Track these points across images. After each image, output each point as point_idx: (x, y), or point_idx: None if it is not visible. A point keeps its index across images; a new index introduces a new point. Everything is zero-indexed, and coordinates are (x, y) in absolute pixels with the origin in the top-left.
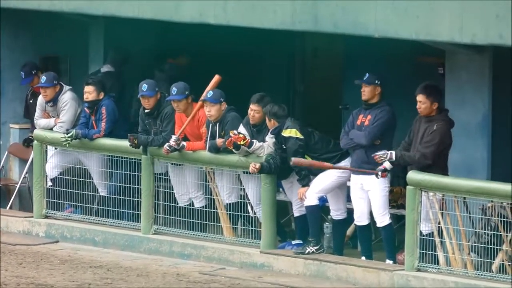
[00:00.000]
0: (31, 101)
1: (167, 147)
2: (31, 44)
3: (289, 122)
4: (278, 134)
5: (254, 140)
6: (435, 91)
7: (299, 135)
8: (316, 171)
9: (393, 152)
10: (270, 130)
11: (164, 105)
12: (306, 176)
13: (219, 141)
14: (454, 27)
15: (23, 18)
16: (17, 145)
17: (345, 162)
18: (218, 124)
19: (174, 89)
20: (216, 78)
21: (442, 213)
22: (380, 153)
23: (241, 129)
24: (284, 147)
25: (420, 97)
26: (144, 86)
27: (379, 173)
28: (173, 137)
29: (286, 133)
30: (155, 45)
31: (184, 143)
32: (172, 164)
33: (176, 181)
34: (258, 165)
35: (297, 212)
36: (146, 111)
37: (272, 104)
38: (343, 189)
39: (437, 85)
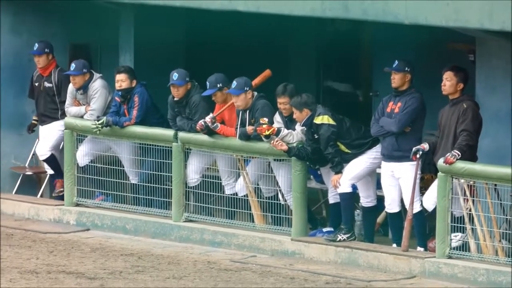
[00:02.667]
0: (36, 83)
1: (202, 123)
2: (62, 32)
3: (321, 109)
4: (310, 124)
5: (282, 128)
6: (463, 73)
7: (332, 122)
8: (348, 158)
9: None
10: (302, 122)
11: (192, 94)
12: (339, 163)
13: (249, 128)
14: (484, 14)
15: (53, 5)
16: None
17: (377, 149)
18: (248, 111)
19: (208, 84)
20: (267, 72)
21: (473, 200)
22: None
23: (277, 116)
24: (316, 136)
25: (447, 74)
26: (174, 75)
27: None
28: (210, 115)
29: (318, 120)
30: (185, 33)
31: (218, 124)
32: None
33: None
34: (284, 146)
35: (332, 199)
36: (175, 99)
37: (299, 95)
38: (373, 176)
39: (466, 69)
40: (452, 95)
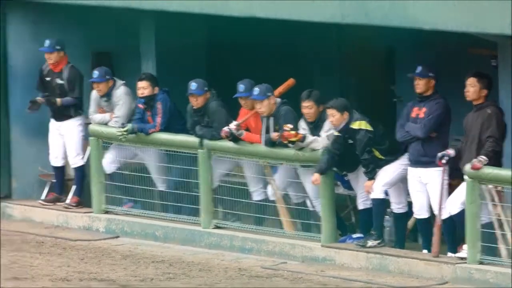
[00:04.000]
0: (47, 78)
1: (227, 129)
2: (83, 40)
3: (357, 114)
4: (344, 129)
5: (307, 134)
6: (486, 78)
7: (369, 127)
8: (382, 164)
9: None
10: (339, 128)
11: (209, 101)
12: (373, 169)
13: (274, 135)
14: (504, 19)
15: (73, 13)
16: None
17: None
18: (272, 118)
19: (241, 86)
20: (290, 81)
21: (502, 206)
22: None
23: (302, 123)
24: (350, 142)
25: (470, 80)
26: (193, 85)
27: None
28: (235, 122)
29: (355, 125)
30: (205, 39)
31: (243, 131)
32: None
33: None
34: (318, 177)
35: (361, 205)
36: (193, 108)
37: (337, 98)
38: (405, 182)
39: (489, 74)
40: (476, 101)
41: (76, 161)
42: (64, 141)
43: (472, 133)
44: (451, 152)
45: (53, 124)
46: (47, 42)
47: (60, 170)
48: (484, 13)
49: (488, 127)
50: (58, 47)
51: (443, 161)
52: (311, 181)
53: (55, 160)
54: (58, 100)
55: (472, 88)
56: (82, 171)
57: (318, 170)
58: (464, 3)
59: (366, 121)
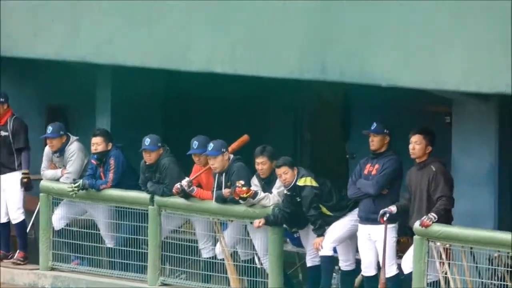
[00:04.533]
0: None
1: (178, 186)
2: (37, 94)
3: (303, 171)
4: (292, 186)
5: (259, 191)
6: (432, 135)
7: (315, 184)
8: (330, 221)
9: (394, 207)
10: (291, 186)
11: (161, 157)
12: (321, 226)
13: (225, 191)
14: (460, 76)
15: (28, 67)
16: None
17: (356, 211)
18: (224, 174)
19: (195, 143)
20: (244, 137)
21: (449, 263)
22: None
23: (254, 180)
24: (298, 199)
25: (416, 137)
26: (147, 141)
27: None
28: (186, 178)
29: (301, 182)
30: (161, 94)
31: (194, 187)
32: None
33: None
34: (262, 221)
35: (310, 262)
36: (146, 164)
37: (285, 156)
38: (353, 239)
39: (433, 131)
40: (420, 158)
41: (17, 215)
42: (5, 196)
43: (418, 191)
44: (393, 209)
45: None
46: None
47: (5, 227)
48: (440, 70)
49: (436, 186)
50: (2, 100)
51: (385, 218)
52: (254, 224)
53: (2, 216)
54: (24, 170)
55: (418, 145)
56: (24, 225)
57: (266, 218)
58: (420, 60)
59: (312, 177)
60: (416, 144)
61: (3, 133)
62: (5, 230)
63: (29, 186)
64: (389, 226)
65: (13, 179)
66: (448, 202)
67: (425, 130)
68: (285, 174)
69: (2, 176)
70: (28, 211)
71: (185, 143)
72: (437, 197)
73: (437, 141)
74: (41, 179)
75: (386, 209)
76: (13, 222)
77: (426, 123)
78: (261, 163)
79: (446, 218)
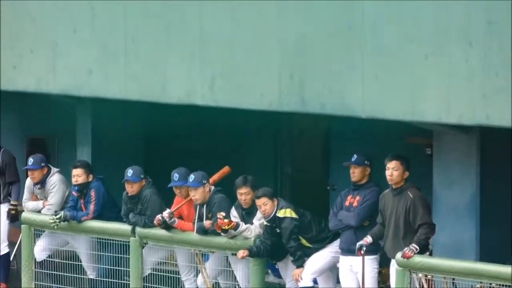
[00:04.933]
0: None
1: (160, 217)
2: (18, 126)
3: (283, 202)
4: (271, 218)
5: (241, 223)
6: (407, 161)
7: (294, 215)
8: (309, 252)
9: (369, 237)
10: (270, 217)
11: (143, 189)
12: (300, 257)
13: (206, 223)
14: (441, 107)
15: (8, 99)
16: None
17: (337, 243)
18: (205, 206)
19: (175, 175)
20: (225, 169)
21: None
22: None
23: (233, 211)
24: (278, 230)
25: (393, 163)
26: (129, 172)
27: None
28: (168, 210)
29: (281, 213)
30: (143, 125)
31: (176, 219)
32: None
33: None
34: (246, 252)
35: None
36: (129, 195)
37: (264, 187)
38: (334, 271)
39: (407, 156)
40: (396, 184)
41: (2, 248)
42: None
43: (394, 217)
44: (368, 240)
45: None
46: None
47: (6, 257)
48: (420, 101)
49: (415, 213)
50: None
51: (362, 251)
52: (238, 255)
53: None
54: (13, 202)
55: (396, 171)
56: (8, 258)
57: (249, 250)
58: (400, 92)
59: (292, 208)
60: (394, 170)
61: None
62: (7, 260)
63: (16, 218)
64: (370, 257)
65: None
66: (430, 229)
67: (401, 156)
68: (264, 206)
69: None
70: (11, 243)
71: (166, 175)
72: (418, 225)
73: (418, 172)
74: (23, 210)
75: (361, 242)
76: None
77: (406, 154)
78: (245, 194)
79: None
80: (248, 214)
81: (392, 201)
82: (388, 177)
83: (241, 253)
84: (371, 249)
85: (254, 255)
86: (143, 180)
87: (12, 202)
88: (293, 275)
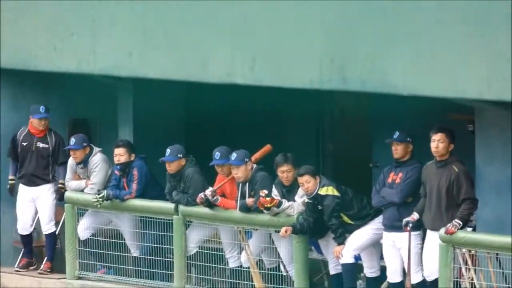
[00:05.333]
0: (24, 143)
1: (202, 196)
2: (60, 107)
3: (325, 180)
4: (313, 195)
5: (283, 200)
6: (452, 133)
7: (336, 193)
8: (351, 229)
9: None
10: (313, 195)
11: (186, 167)
12: (342, 234)
13: (249, 201)
14: (482, 84)
15: (52, 80)
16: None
17: (379, 219)
18: (247, 184)
19: (217, 154)
20: (267, 147)
21: (475, 269)
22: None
23: (274, 189)
24: (319, 208)
25: (439, 136)
26: (167, 151)
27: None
28: (210, 188)
29: (322, 191)
30: (184, 105)
31: (218, 197)
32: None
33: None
34: (289, 229)
35: (333, 270)
36: (170, 173)
37: (305, 165)
38: (377, 247)
39: (452, 128)
40: (441, 156)
41: (49, 227)
42: (37, 206)
43: (436, 189)
44: (415, 217)
45: (23, 189)
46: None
47: (29, 237)
48: (462, 78)
49: (459, 187)
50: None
51: (408, 227)
52: (281, 232)
53: (25, 229)
54: (61, 181)
55: (441, 144)
56: (55, 237)
57: (293, 226)
58: (441, 69)
59: (333, 186)
60: (439, 143)
61: (42, 145)
62: (29, 240)
63: (63, 197)
64: (414, 233)
65: (46, 191)
66: (473, 205)
67: (446, 128)
68: (307, 183)
69: (35, 188)
70: (55, 222)
71: (208, 153)
72: (461, 199)
73: (460, 149)
74: (66, 190)
75: (408, 218)
76: (45, 233)
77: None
78: (286, 171)
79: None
80: (288, 192)
81: (435, 173)
82: (433, 149)
83: (284, 230)
84: (415, 225)
85: (298, 232)
86: (182, 159)
87: (60, 181)
88: (334, 252)
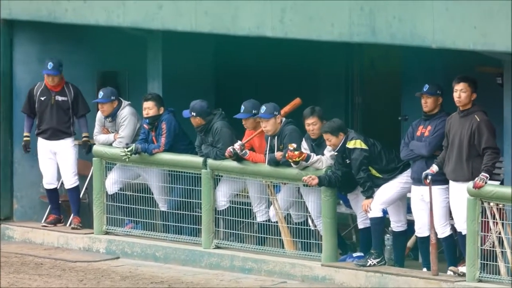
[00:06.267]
0: (42, 97)
1: (231, 149)
2: (89, 60)
3: (353, 133)
4: (341, 149)
5: (312, 154)
6: (475, 82)
7: (364, 146)
8: (379, 183)
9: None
10: (337, 148)
11: (214, 121)
12: (370, 188)
13: (277, 154)
14: (510, 37)
15: (79, 33)
16: (77, 161)
17: (408, 173)
18: (276, 137)
19: (242, 107)
20: (297, 101)
21: (502, 223)
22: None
23: (303, 143)
24: (348, 161)
25: (461, 85)
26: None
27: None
28: (239, 142)
29: (350, 144)
30: (213, 58)
31: (247, 150)
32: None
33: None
34: (315, 180)
35: (361, 224)
36: (197, 128)
37: (331, 120)
38: (404, 201)
39: (474, 78)
40: (465, 105)
41: (73, 181)
42: (58, 161)
43: (458, 138)
44: (434, 169)
45: (43, 144)
46: (50, 65)
47: (55, 192)
48: (490, 31)
49: (480, 136)
50: (61, 68)
51: (428, 180)
52: (307, 179)
53: (50, 183)
54: (85, 134)
55: (464, 93)
56: (78, 190)
57: (320, 178)
58: (471, 22)
59: (361, 139)
60: (462, 92)
61: (61, 98)
62: (55, 195)
63: (90, 149)
64: (441, 187)
65: (68, 145)
66: (496, 154)
67: (468, 78)
68: (328, 141)
69: (56, 141)
70: (82, 176)
71: (239, 107)
72: (482, 148)
73: (488, 101)
74: (94, 143)
75: (427, 170)
76: (68, 187)
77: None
78: (312, 124)
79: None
80: (318, 145)
81: (458, 123)
82: (456, 99)
83: (309, 178)
84: (441, 179)
85: (325, 185)
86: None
87: (84, 134)
88: (362, 205)
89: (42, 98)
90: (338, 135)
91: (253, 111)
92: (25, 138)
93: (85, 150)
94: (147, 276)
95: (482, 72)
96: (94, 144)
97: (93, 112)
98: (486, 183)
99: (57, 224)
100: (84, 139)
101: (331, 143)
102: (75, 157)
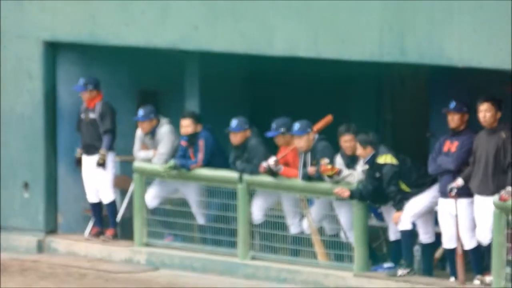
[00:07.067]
0: (82, 116)
1: (265, 165)
2: (129, 79)
3: (384, 148)
4: (372, 163)
5: (344, 169)
6: (498, 101)
7: (394, 161)
8: (408, 197)
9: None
10: (366, 159)
11: (249, 138)
12: (400, 201)
13: (311, 169)
14: None
15: (121, 54)
16: (119, 177)
17: (436, 188)
18: (309, 153)
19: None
20: (328, 118)
21: None
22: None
23: (338, 159)
24: (378, 175)
25: (485, 106)
26: (233, 123)
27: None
28: (273, 157)
29: (381, 159)
30: (248, 76)
31: (281, 166)
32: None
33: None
34: (347, 192)
35: (393, 236)
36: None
37: (367, 133)
38: (432, 213)
39: (499, 97)
40: (490, 124)
41: (109, 195)
42: (95, 175)
43: (484, 155)
44: (459, 182)
45: (85, 160)
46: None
47: (98, 205)
48: None
49: (506, 153)
50: (89, 86)
51: (453, 193)
52: (338, 191)
53: (91, 197)
54: (101, 150)
55: (488, 113)
56: (115, 204)
57: (352, 191)
58: (497, 42)
59: (392, 154)
60: (486, 112)
61: (92, 116)
62: (97, 209)
63: (103, 166)
64: (468, 200)
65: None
66: None
67: (492, 97)
68: (358, 150)
69: (92, 156)
70: (122, 190)
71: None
72: (507, 164)
73: None
74: (134, 160)
75: (452, 184)
76: (104, 202)
77: (504, 103)
78: (348, 141)
79: None
80: (353, 161)
81: (485, 140)
82: (481, 119)
83: (342, 189)
84: (467, 192)
85: (356, 198)
86: (247, 131)
87: (101, 152)
88: (393, 218)
89: (82, 116)
90: (366, 147)
91: (281, 129)
92: (77, 155)
93: (96, 165)
94: (186, 286)
95: (509, 91)
96: (104, 162)
97: (133, 130)
98: (511, 196)
99: (100, 236)
100: (99, 155)
101: (357, 153)
102: (111, 172)
